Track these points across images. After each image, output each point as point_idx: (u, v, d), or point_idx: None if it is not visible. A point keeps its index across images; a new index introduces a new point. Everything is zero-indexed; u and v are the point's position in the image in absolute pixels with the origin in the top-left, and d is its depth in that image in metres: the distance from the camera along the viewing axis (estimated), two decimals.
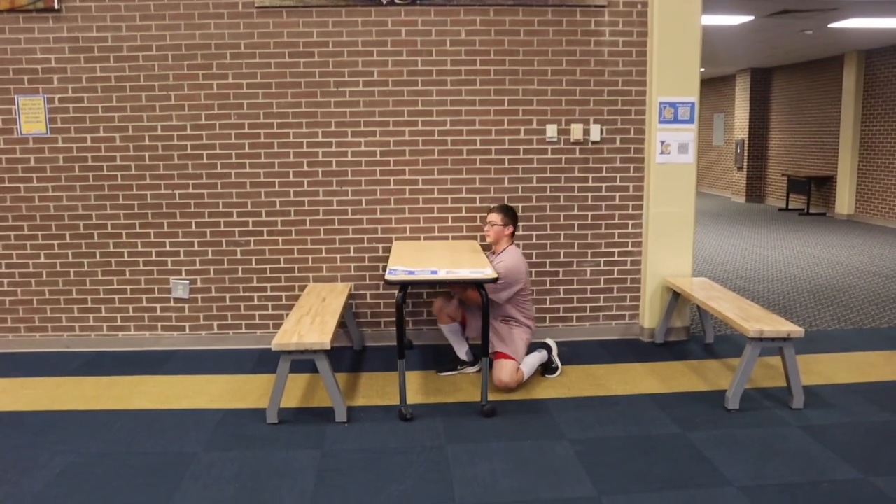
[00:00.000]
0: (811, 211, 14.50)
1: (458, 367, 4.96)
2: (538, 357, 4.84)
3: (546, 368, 4.91)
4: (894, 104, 12.44)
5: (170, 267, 5.51)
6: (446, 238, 5.52)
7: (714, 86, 18.96)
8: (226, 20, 5.25)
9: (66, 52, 5.24)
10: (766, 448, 3.77)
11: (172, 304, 5.55)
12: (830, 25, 9.91)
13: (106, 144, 5.35)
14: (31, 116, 5.30)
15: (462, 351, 4.96)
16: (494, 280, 4.12)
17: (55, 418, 4.24)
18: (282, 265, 5.53)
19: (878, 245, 10.53)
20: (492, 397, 4.47)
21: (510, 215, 4.79)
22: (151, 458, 3.72)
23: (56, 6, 5.15)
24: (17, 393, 4.66)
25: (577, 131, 5.47)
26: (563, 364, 5.05)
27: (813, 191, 14.52)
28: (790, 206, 15.34)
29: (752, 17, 9.22)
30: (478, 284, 4.14)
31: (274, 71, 5.32)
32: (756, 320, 4.35)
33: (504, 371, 4.52)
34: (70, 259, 5.48)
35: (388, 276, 4.07)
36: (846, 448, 3.76)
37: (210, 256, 5.50)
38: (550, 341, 5.03)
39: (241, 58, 5.30)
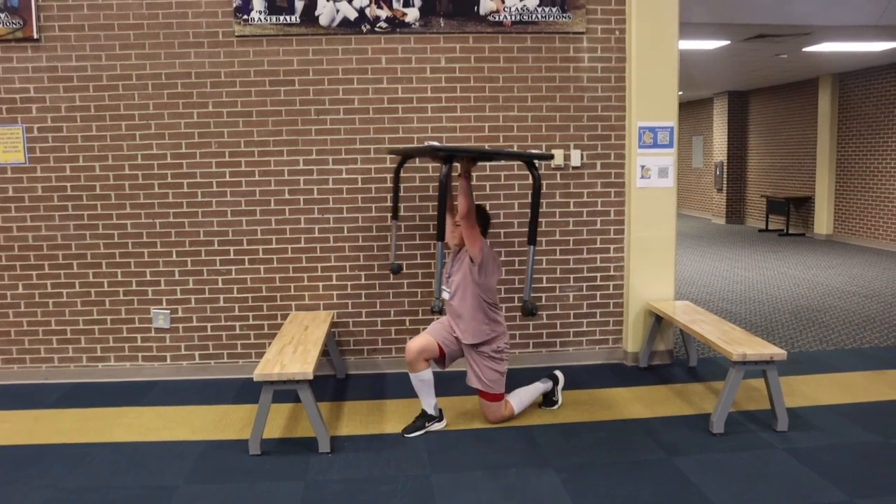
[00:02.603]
0: (790, 232, 14.63)
1: (426, 425, 4.42)
2: (538, 389, 4.69)
3: (546, 400, 4.78)
4: (868, 126, 12.63)
5: (150, 297, 5.46)
6: (428, 265, 5.50)
7: (692, 109, 19.17)
8: (206, 49, 5.25)
9: (45, 82, 5.22)
10: (751, 472, 3.77)
11: (153, 334, 5.50)
12: (805, 49, 10.06)
13: (85, 174, 5.31)
14: (10, 146, 5.26)
15: (431, 405, 4.43)
16: (551, 157, 4.17)
17: (34, 452, 4.17)
18: (263, 294, 5.49)
19: (856, 265, 10.63)
20: (478, 424, 4.46)
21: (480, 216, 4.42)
22: (132, 491, 3.67)
23: (35, 36, 5.13)
24: None
25: (557, 157, 5.50)
26: None
27: (792, 212, 14.67)
28: (770, 227, 15.48)
29: (727, 42, 9.33)
30: (529, 163, 3.95)
31: (254, 99, 5.32)
32: (739, 343, 4.36)
33: (490, 413, 4.47)
34: (49, 289, 5.41)
35: (430, 143, 3.90)
36: (831, 470, 3.76)
37: (191, 286, 5.46)
38: (560, 374, 4.85)
39: (221, 86, 5.29)
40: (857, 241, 13.02)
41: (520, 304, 5.61)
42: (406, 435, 4.37)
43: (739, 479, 3.69)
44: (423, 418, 4.44)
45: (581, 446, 4.15)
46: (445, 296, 4.36)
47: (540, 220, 5.51)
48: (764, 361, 4.22)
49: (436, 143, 4.38)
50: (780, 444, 4.12)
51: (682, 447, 4.10)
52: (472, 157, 4.13)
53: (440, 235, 3.75)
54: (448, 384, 5.17)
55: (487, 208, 4.94)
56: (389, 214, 5.37)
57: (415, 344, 4.36)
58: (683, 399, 4.92)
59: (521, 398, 4.60)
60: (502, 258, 5.53)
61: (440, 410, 4.51)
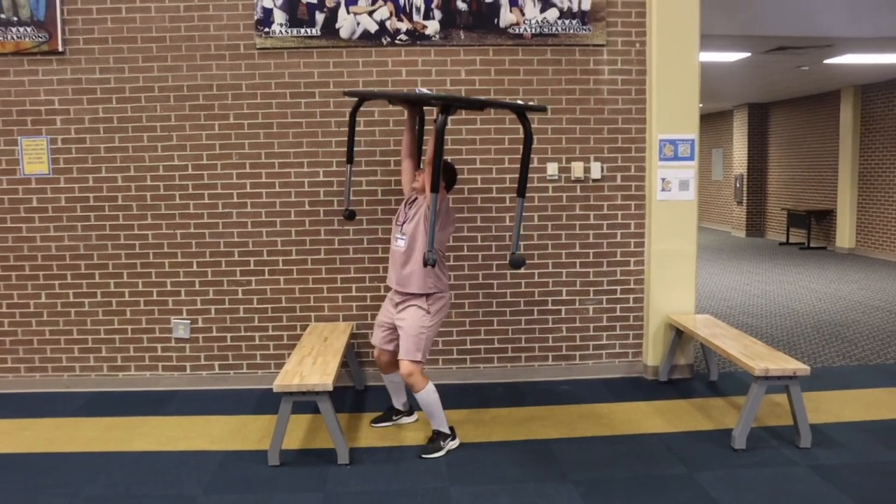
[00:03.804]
0: (812, 245, 14.49)
1: (394, 418, 4.76)
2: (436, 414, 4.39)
3: (390, 414, 4.78)
4: (891, 138, 12.50)
5: (171, 307, 5.49)
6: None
7: (712, 121, 19.08)
8: (227, 61, 5.29)
9: (70, 94, 5.28)
10: (774, 489, 3.73)
11: (173, 343, 5.53)
12: (826, 61, 9.99)
13: (108, 185, 5.36)
14: (34, 157, 5.32)
15: (399, 402, 4.74)
16: (544, 109, 4.15)
17: (54, 461, 4.20)
18: (283, 304, 5.51)
19: (880, 279, 10.51)
20: (497, 437, 4.43)
21: (447, 172, 4.36)
22: (151, 501, 3.68)
23: (60, 48, 5.20)
24: (17, 435, 4.62)
25: (577, 169, 5.49)
26: (566, 403, 5.07)
27: (813, 225, 14.54)
28: (790, 241, 15.34)
29: (748, 54, 9.29)
30: (520, 113, 3.93)
31: (275, 111, 5.35)
32: (761, 358, 4.32)
33: (402, 367, 4.27)
34: (71, 299, 5.46)
35: (421, 90, 3.88)
36: (855, 488, 3.71)
37: (211, 296, 5.48)
38: (412, 415, 4.80)
39: (242, 98, 5.33)
40: (880, 255, 12.86)
41: (544, 316, 5.61)
42: (373, 425, 4.70)
43: (761, 496, 3.65)
44: (391, 412, 4.77)
45: (600, 460, 4.12)
46: (401, 243, 4.26)
47: (560, 232, 5.52)
48: (787, 377, 4.18)
49: (426, 91, 4.47)
50: (803, 460, 4.07)
51: (702, 462, 4.06)
52: (464, 106, 4.05)
53: (434, 187, 3.70)
54: (464, 396, 5.18)
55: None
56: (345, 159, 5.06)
57: (377, 351, 4.56)
58: (704, 414, 4.88)
59: (436, 401, 4.32)
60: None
61: (410, 406, 4.77)
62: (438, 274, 4.27)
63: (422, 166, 4.35)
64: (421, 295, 4.26)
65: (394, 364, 4.43)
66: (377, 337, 4.52)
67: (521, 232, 5.49)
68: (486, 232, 5.52)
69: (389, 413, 4.76)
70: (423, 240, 4.16)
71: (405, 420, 4.76)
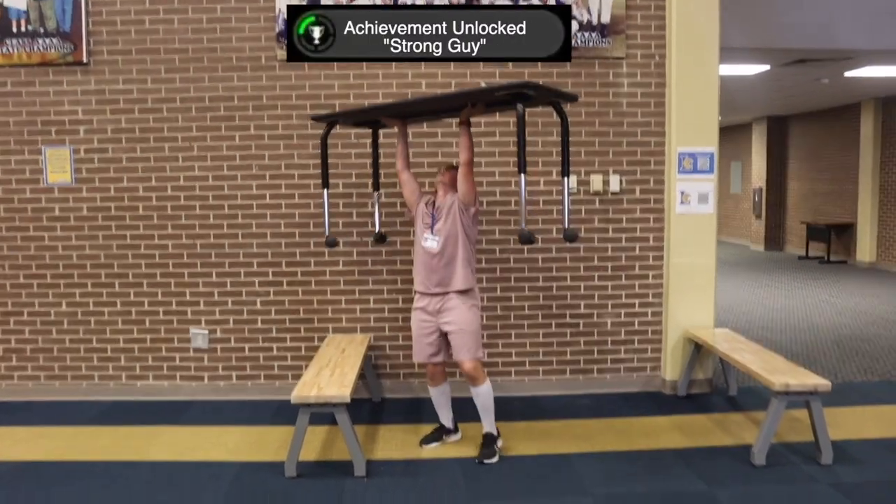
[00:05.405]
0: (832, 259, 14.35)
1: (444, 437, 4.59)
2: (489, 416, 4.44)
3: (437, 435, 4.61)
4: None
5: (189, 317, 5.51)
6: None
7: (730, 134, 18.96)
8: (248, 73, 5.33)
9: (93, 105, 5.34)
10: None
11: (192, 353, 5.55)
12: (846, 74, 9.93)
13: (129, 195, 5.41)
14: (58, 167, 5.38)
15: (448, 418, 4.60)
16: (575, 98, 4.26)
17: (72, 469, 4.22)
18: (301, 316, 5.52)
19: None
20: (515, 451, 4.42)
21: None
22: None
23: (85, 60, 5.26)
24: (35, 442, 4.65)
25: (596, 182, 5.48)
26: (585, 417, 5.05)
27: (833, 239, 14.40)
28: (810, 254, 15.20)
29: (768, 67, 9.25)
30: (555, 104, 3.99)
31: (295, 123, 5.38)
32: (781, 373, 4.28)
33: (466, 365, 4.31)
34: (91, 308, 5.50)
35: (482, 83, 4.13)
36: None
37: (230, 307, 5.50)
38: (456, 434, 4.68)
39: (263, 109, 5.37)
40: None
41: (562, 329, 5.59)
42: (423, 445, 4.53)
43: None
44: (441, 431, 4.61)
45: (619, 475, 4.09)
46: (434, 244, 4.30)
47: (578, 245, 5.50)
48: (807, 392, 4.14)
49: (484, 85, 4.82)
50: (825, 477, 4.03)
51: (722, 479, 4.02)
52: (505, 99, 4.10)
53: (522, 168, 3.78)
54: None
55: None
56: (322, 182, 4.98)
57: (428, 362, 4.47)
58: (723, 429, 4.83)
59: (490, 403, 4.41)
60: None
61: (456, 423, 4.67)
62: (474, 266, 4.39)
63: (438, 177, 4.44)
64: (465, 291, 4.31)
65: (445, 374, 4.51)
66: (423, 354, 4.44)
67: (540, 244, 5.48)
68: (504, 244, 5.51)
69: (439, 433, 4.61)
70: (462, 237, 4.28)
71: (453, 438, 4.62)
